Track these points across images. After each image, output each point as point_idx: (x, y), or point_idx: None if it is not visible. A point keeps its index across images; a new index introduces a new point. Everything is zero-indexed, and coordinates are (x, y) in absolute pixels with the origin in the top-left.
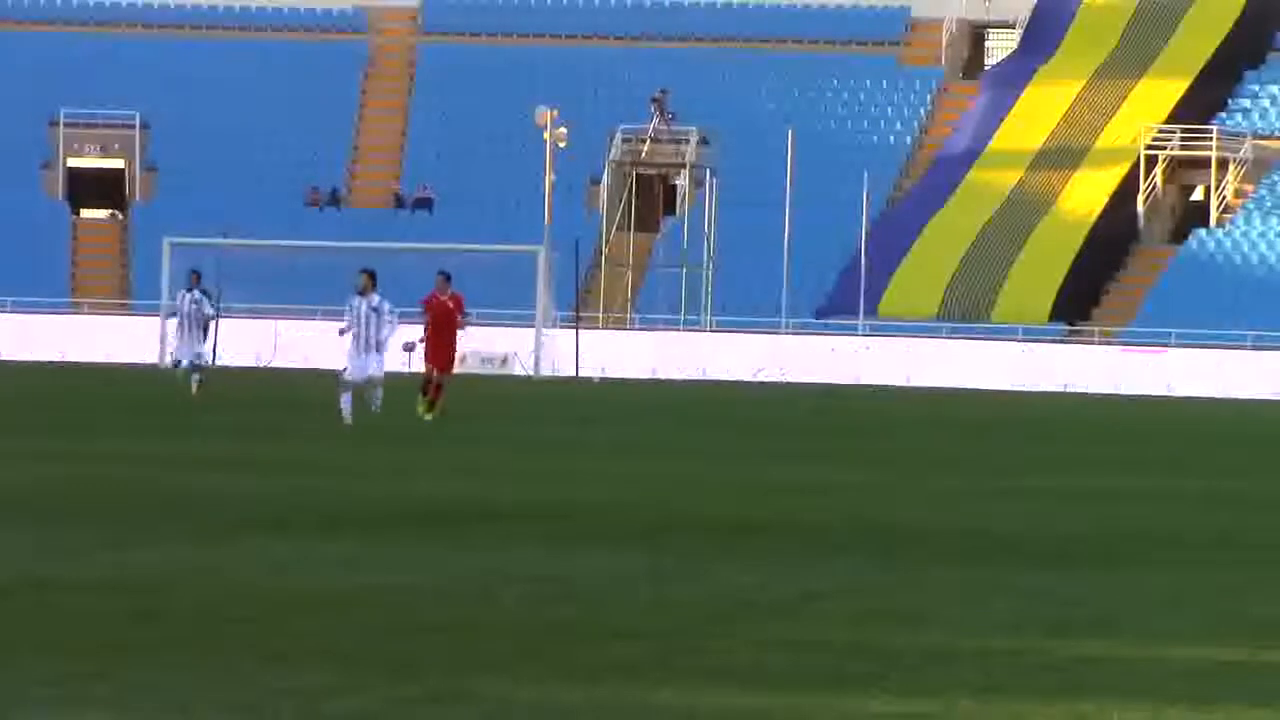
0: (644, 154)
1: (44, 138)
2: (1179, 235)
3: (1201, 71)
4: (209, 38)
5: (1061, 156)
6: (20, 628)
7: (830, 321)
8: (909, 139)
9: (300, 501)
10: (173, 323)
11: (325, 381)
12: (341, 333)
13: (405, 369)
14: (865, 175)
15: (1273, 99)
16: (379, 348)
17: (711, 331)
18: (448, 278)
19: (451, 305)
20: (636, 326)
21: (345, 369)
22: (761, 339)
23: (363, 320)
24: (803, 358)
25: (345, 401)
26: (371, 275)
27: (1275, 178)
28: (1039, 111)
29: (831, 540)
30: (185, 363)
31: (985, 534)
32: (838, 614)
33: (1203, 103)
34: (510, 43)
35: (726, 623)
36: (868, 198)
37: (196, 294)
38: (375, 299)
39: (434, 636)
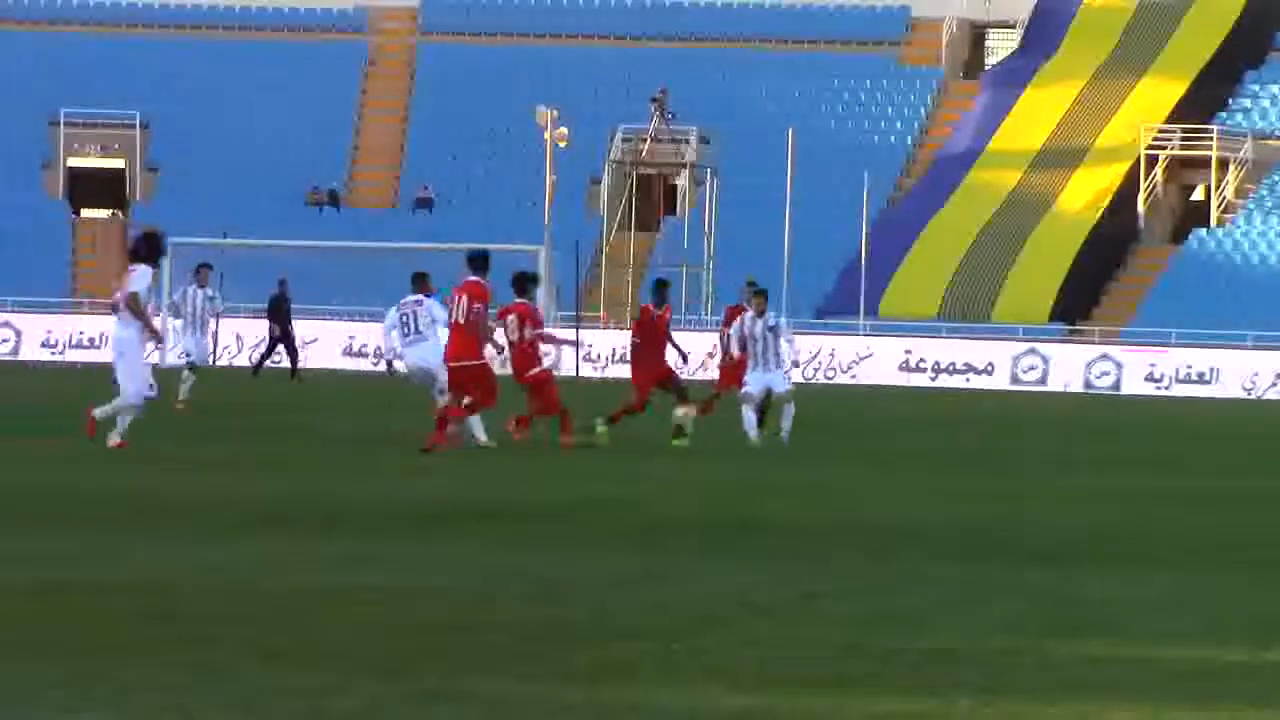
0: (644, 154)
1: (44, 138)
2: (1179, 235)
3: (1201, 71)
4: (209, 38)
5: (1061, 156)
6: (20, 628)
7: (830, 321)
8: (909, 139)
9: (300, 501)
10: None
11: (325, 380)
12: (733, 356)
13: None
14: (865, 175)
15: (1273, 99)
16: (779, 365)
17: (712, 331)
18: (763, 293)
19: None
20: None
21: (746, 384)
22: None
23: (760, 339)
24: (803, 357)
25: (750, 415)
26: (764, 295)
27: (1275, 178)
28: (1039, 111)
29: (831, 540)
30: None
31: (985, 534)
32: (838, 614)
33: (1203, 103)
34: (510, 43)
35: (726, 623)
36: (868, 198)
37: (209, 290)
38: (771, 318)
39: (434, 636)
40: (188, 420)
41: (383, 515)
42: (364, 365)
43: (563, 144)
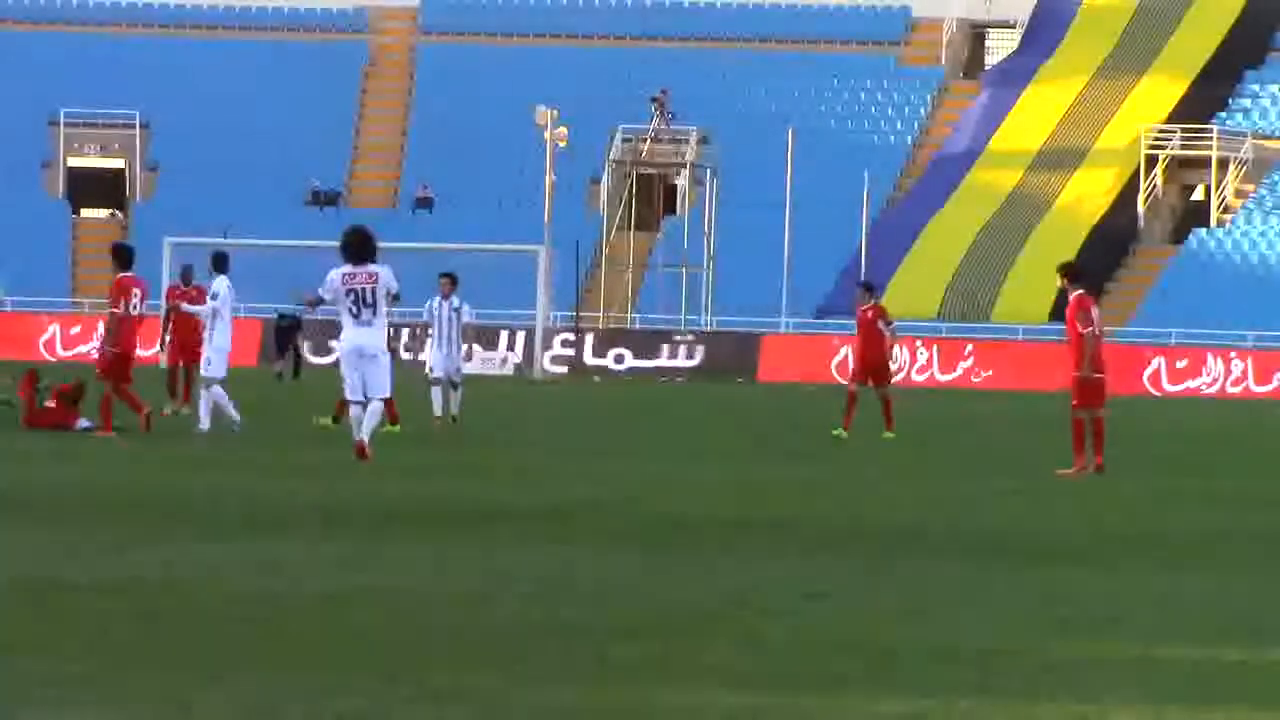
0: (644, 154)
1: (44, 138)
2: (1179, 235)
3: (1201, 71)
4: (209, 38)
5: (1061, 156)
6: (20, 628)
7: (830, 321)
8: (909, 139)
9: (300, 501)
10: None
11: (325, 380)
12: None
13: None
14: (865, 175)
15: (1273, 99)
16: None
17: (710, 331)
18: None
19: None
20: (636, 326)
21: None
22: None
23: None
24: (802, 357)
25: None
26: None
27: (1275, 178)
28: (1039, 111)
29: (831, 540)
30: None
31: (985, 534)
32: (838, 614)
33: (1203, 103)
34: (510, 43)
35: (726, 623)
36: (868, 198)
37: (455, 301)
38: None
39: (434, 636)
40: (185, 420)
41: (383, 515)
42: None
43: (562, 144)
